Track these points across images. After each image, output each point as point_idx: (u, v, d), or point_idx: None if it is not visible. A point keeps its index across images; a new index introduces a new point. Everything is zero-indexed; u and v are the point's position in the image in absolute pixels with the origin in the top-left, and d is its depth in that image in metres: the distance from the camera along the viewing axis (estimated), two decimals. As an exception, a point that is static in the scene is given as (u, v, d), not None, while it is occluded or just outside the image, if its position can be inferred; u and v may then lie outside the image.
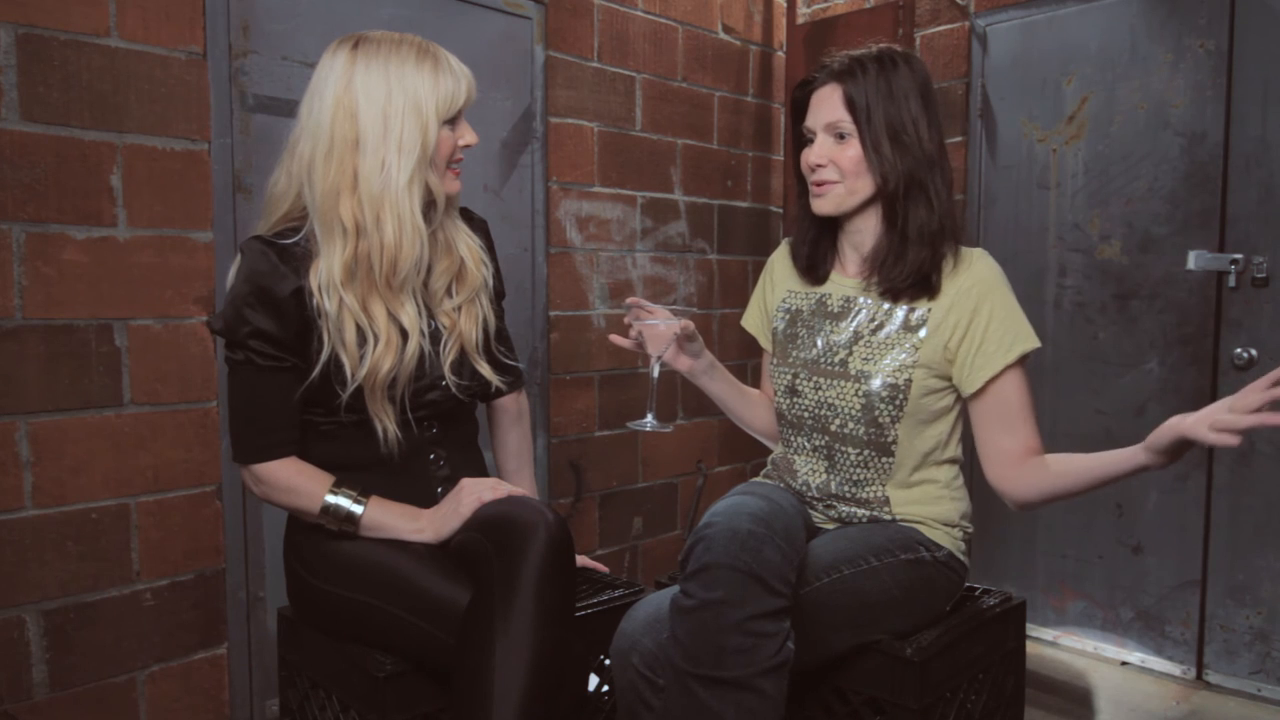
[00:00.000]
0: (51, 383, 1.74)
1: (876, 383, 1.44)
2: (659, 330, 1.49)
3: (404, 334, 1.38)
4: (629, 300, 1.51)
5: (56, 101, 1.72)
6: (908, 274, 1.44)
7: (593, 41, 2.66)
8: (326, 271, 1.33)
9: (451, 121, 1.40)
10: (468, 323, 1.47)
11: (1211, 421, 1.12)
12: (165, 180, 1.85)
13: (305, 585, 1.42)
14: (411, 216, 1.35)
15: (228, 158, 1.94)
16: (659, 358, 1.52)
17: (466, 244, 1.50)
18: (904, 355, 1.44)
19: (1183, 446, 1.19)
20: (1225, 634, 2.39)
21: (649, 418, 1.53)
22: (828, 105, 1.45)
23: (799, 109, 1.52)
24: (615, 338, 1.55)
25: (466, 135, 1.44)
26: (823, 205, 1.49)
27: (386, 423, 1.37)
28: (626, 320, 1.51)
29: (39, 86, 1.70)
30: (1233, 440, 1.10)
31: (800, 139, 1.52)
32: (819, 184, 1.48)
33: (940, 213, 1.43)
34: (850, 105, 1.43)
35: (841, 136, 1.44)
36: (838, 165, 1.45)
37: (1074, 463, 1.36)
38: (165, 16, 1.84)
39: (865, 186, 1.45)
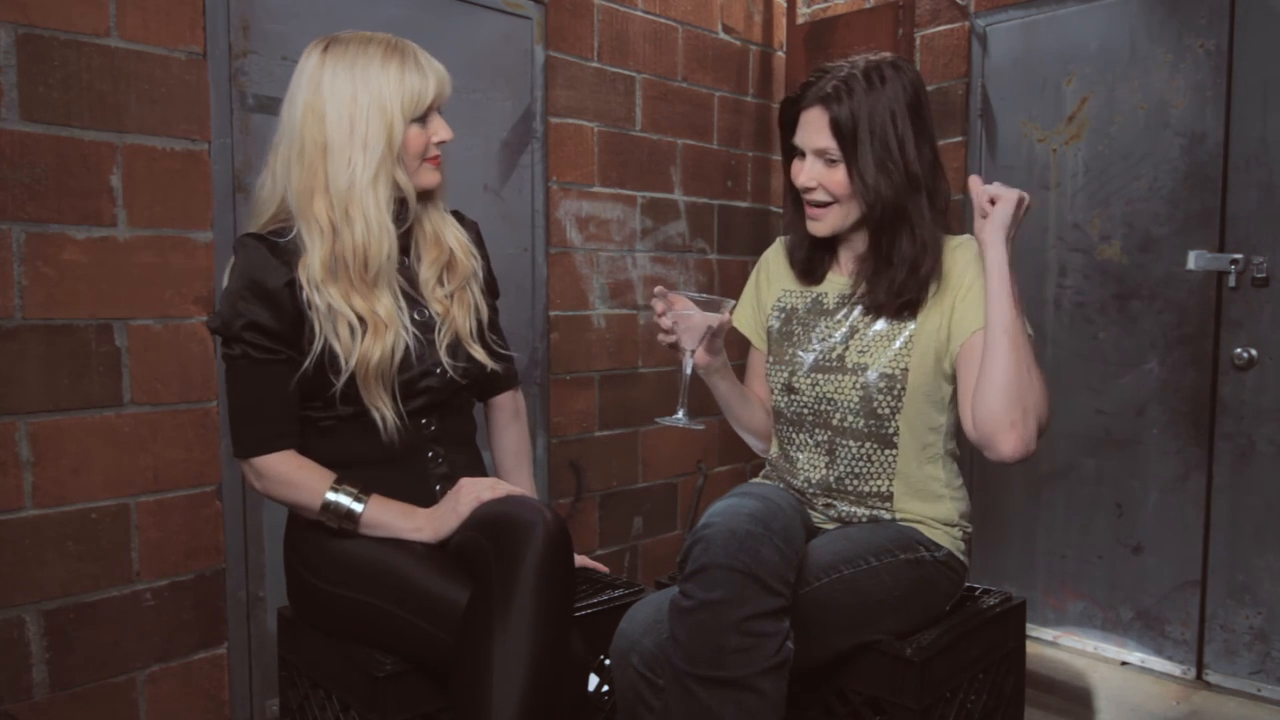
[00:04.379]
0: (51, 383, 1.74)
1: (873, 374, 1.45)
2: (694, 322, 1.43)
3: (387, 326, 1.39)
4: (657, 289, 1.46)
5: (56, 101, 1.72)
6: (890, 295, 1.45)
7: (593, 41, 2.66)
8: (310, 268, 1.35)
9: (422, 118, 1.41)
10: (460, 310, 1.49)
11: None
12: (165, 180, 1.85)
13: (305, 585, 1.42)
14: (377, 213, 1.37)
15: (228, 158, 1.94)
16: (692, 351, 1.46)
17: (454, 235, 1.52)
18: (899, 345, 1.45)
19: (985, 225, 1.37)
20: (1225, 634, 2.39)
21: (680, 414, 1.47)
22: (815, 129, 1.44)
23: (788, 123, 1.51)
24: (660, 337, 1.49)
25: (441, 131, 1.44)
26: (820, 228, 1.49)
27: (385, 411, 1.38)
28: (660, 309, 1.45)
29: (39, 86, 1.70)
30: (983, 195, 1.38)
31: (792, 151, 1.52)
32: (814, 206, 1.48)
33: (923, 239, 1.43)
34: (837, 131, 1.41)
35: (831, 161, 1.44)
36: (828, 189, 1.45)
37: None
38: (165, 16, 1.84)
39: (856, 209, 1.46)
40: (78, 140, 1.75)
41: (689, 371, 1.47)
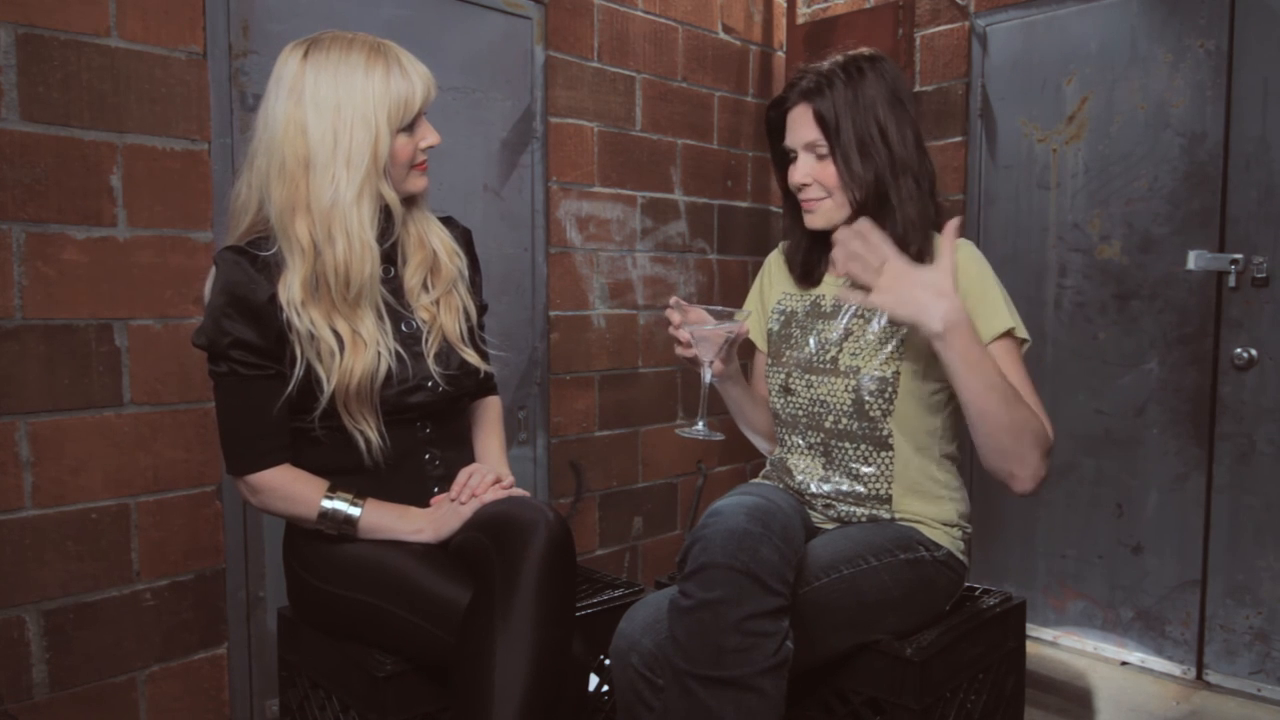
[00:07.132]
0: (51, 383, 1.74)
1: (866, 377, 1.46)
2: (711, 334, 1.43)
3: (368, 346, 1.35)
4: (672, 300, 1.45)
5: (56, 101, 1.72)
6: None
7: (593, 41, 2.66)
8: (290, 288, 1.31)
9: (410, 126, 1.37)
10: (447, 315, 1.45)
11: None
12: (165, 180, 1.86)
13: (305, 586, 1.42)
14: (360, 231, 1.32)
15: (228, 158, 1.94)
16: (710, 362, 1.45)
17: (439, 236, 1.48)
18: (890, 348, 1.46)
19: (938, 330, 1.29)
20: (1225, 634, 2.39)
21: (700, 425, 1.46)
22: (803, 125, 1.47)
23: (776, 128, 1.53)
24: (678, 350, 1.49)
25: (429, 137, 1.41)
26: (815, 220, 1.51)
27: (369, 433, 1.36)
28: (676, 320, 1.45)
29: (39, 86, 1.70)
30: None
31: (783, 156, 1.54)
32: (808, 201, 1.50)
33: (909, 218, 1.43)
34: (821, 123, 1.44)
35: (821, 155, 1.46)
36: (822, 183, 1.47)
37: None
38: (165, 16, 1.84)
39: (848, 201, 1.47)
40: (78, 140, 1.75)
41: (708, 381, 1.47)
